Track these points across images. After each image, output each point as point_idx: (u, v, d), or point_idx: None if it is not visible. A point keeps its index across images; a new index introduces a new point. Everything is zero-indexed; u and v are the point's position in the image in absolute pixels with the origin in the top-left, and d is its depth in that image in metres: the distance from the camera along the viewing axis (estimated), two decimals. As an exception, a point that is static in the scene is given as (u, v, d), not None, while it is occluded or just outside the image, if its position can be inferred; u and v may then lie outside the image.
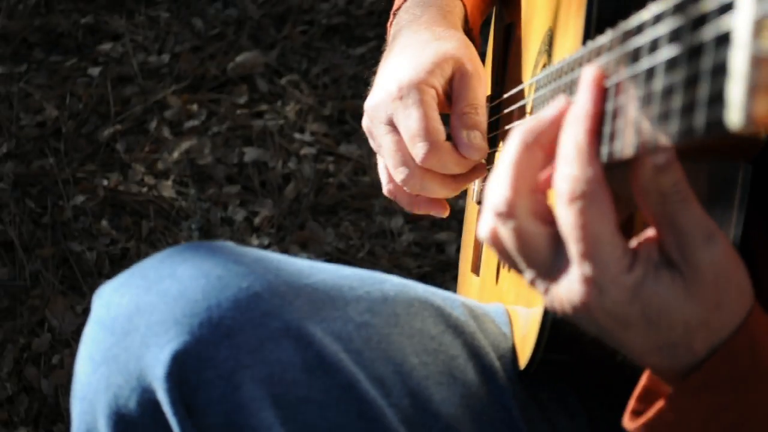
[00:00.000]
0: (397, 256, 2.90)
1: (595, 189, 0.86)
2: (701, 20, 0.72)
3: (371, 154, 3.09)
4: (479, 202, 1.68)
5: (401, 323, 1.24)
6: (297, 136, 3.15)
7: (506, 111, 1.51)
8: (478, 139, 1.39)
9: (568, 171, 0.87)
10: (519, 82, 1.53)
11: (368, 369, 1.19)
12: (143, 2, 3.57)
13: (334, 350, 1.16)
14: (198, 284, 1.15)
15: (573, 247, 0.88)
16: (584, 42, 1.11)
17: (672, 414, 0.92)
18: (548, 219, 0.92)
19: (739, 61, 0.65)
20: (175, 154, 3.10)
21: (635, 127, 0.82)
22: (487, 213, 0.94)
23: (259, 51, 3.34)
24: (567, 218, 0.87)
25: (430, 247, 2.92)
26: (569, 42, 1.22)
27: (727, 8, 0.69)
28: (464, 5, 1.57)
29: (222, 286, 1.15)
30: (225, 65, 3.34)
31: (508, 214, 0.92)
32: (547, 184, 0.95)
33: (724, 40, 0.68)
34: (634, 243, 0.89)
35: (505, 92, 1.60)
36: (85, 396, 1.19)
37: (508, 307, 1.38)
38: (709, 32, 0.71)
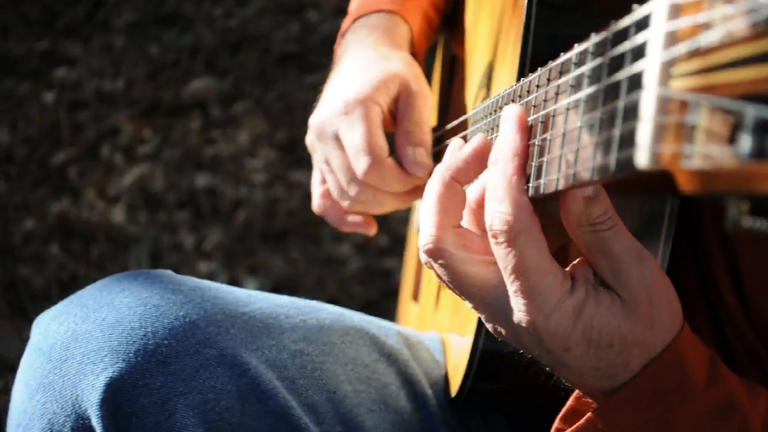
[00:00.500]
0: (345, 283, 2.92)
1: (527, 224, 0.89)
2: (619, 61, 0.75)
3: (322, 182, 3.11)
4: (418, 231, 1.70)
5: (336, 352, 1.26)
6: (249, 162, 3.17)
7: (447, 142, 1.54)
8: (422, 155, 1.41)
9: (499, 209, 0.90)
10: (461, 113, 1.56)
11: (302, 396, 1.21)
12: (99, 28, 3.58)
13: (269, 378, 1.18)
14: (135, 313, 1.17)
15: (513, 282, 0.91)
16: (518, 78, 1.14)
17: (600, 424, 0.96)
18: (480, 250, 0.95)
19: (647, 104, 0.67)
20: (127, 180, 3.11)
21: (559, 163, 0.85)
22: (420, 251, 0.97)
23: (213, 77, 3.36)
24: (503, 255, 0.90)
25: (377, 275, 2.94)
26: (506, 77, 1.25)
27: (639, 51, 0.71)
28: (411, 29, 1.60)
29: (159, 315, 1.17)
30: (179, 91, 3.35)
31: (437, 250, 0.95)
32: (474, 217, 0.99)
33: (636, 82, 0.71)
34: (569, 267, 0.93)
35: (448, 123, 1.63)
36: (20, 423, 1.20)
37: (443, 335, 1.40)
38: (623, 74, 0.74)
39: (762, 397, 0.99)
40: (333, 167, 1.44)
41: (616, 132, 0.73)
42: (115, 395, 1.13)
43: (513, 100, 1.06)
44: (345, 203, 1.45)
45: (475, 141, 0.98)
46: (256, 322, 1.22)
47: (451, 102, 1.67)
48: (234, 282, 2.93)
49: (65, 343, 1.17)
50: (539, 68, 1.12)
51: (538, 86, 0.97)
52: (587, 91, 0.81)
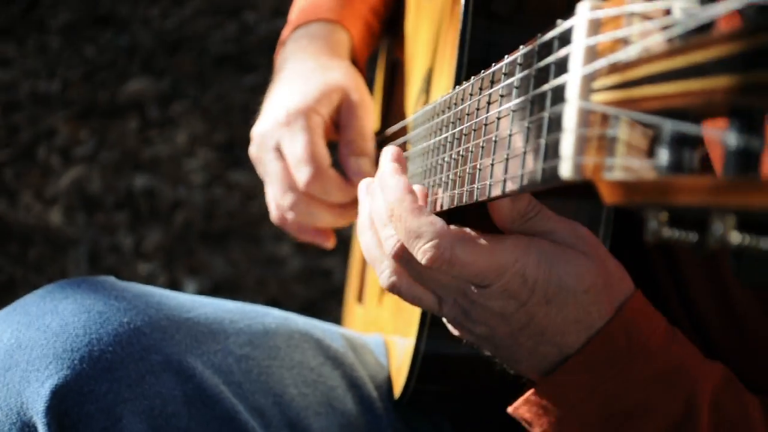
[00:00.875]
0: (285, 283, 2.93)
1: (456, 239, 0.95)
2: (544, 73, 0.78)
3: (260, 182, 3.11)
4: (361, 234, 1.72)
5: (281, 356, 1.27)
6: (187, 163, 3.16)
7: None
8: (366, 165, 1.43)
9: (424, 246, 0.95)
10: (402, 117, 1.58)
11: (248, 400, 1.22)
12: (34, 28, 3.55)
13: (215, 383, 1.19)
14: (79, 320, 1.17)
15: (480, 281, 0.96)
16: (455, 85, 1.16)
17: (552, 389, 1.00)
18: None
19: (569, 116, 0.70)
20: (64, 181, 3.10)
21: (491, 171, 0.88)
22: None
23: (150, 78, 3.35)
24: (442, 274, 0.97)
25: (318, 274, 2.96)
26: (444, 83, 1.26)
27: (562, 64, 0.74)
28: (351, 37, 1.61)
29: (103, 321, 1.17)
30: (116, 92, 3.34)
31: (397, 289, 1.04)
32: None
33: (559, 94, 0.73)
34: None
35: (390, 124, 1.64)
36: (-36, 430, 1.20)
37: (386, 337, 1.42)
38: (548, 86, 0.76)
39: (716, 369, 1.02)
40: (271, 179, 1.45)
41: (542, 142, 0.75)
42: (61, 402, 1.14)
43: (449, 108, 1.08)
44: (294, 214, 1.46)
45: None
46: (201, 327, 1.23)
47: (392, 106, 1.68)
48: (174, 283, 2.93)
49: (9, 351, 1.17)
50: (471, 77, 1.14)
51: (471, 95, 0.99)
52: (516, 101, 0.84)
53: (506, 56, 0.88)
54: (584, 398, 0.98)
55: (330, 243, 1.54)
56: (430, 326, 1.18)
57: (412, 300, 1.01)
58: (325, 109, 1.43)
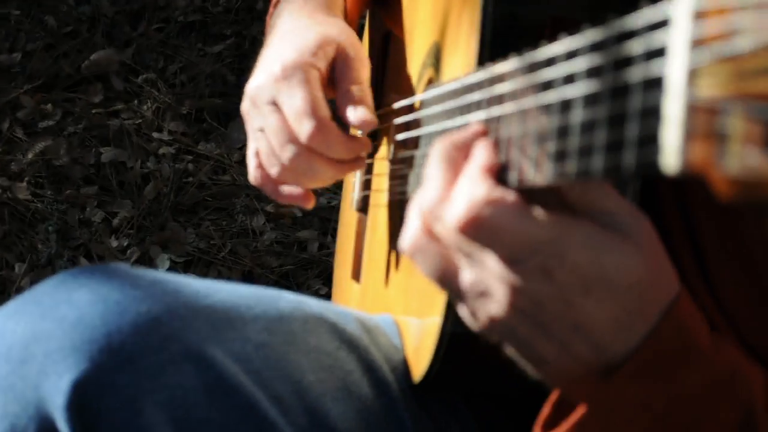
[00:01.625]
0: (260, 255, 2.90)
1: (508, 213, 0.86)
2: (626, 62, 0.75)
3: (231, 153, 3.08)
4: (359, 210, 1.70)
5: (298, 341, 1.25)
6: (155, 135, 3.12)
7: (392, 122, 1.53)
8: (365, 112, 1.39)
9: (469, 203, 0.87)
10: (400, 92, 1.55)
11: (267, 389, 1.20)
12: (-9, -1, 3.48)
13: (234, 371, 1.17)
14: (96, 310, 1.14)
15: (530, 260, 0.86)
16: (480, 63, 1.13)
17: (603, 406, 0.90)
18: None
19: (673, 108, 0.67)
20: (30, 155, 3.04)
21: (538, 159, 0.85)
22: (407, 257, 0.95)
23: (113, 49, 3.29)
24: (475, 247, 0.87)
25: (292, 246, 2.93)
26: (460, 60, 1.24)
27: (655, 54, 0.71)
28: (345, 1, 1.58)
29: (121, 311, 1.14)
30: (79, 64, 3.28)
31: (419, 256, 0.93)
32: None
33: (654, 84, 0.70)
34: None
35: (385, 100, 1.62)
36: (-20, 426, 1.17)
37: (396, 317, 1.40)
38: (635, 75, 0.73)
39: (758, 369, 0.97)
40: (267, 132, 1.41)
41: (631, 133, 0.72)
42: (81, 396, 1.11)
43: (480, 88, 1.04)
44: (274, 170, 1.42)
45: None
46: (219, 315, 1.21)
47: (388, 80, 1.66)
48: (147, 258, 2.89)
49: (24, 343, 1.14)
50: (504, 55, 1.12)
51: (513, 77, 0.96)
52: (584, 86, 0.81)
53: (562, 38, 0.85)
54: (635, 416, 0.90)
55: (311, 204, 1.50)
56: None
57: (430, 267, 0.92)
58: (321, 62, 1.40)
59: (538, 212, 0.86)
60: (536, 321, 0.88)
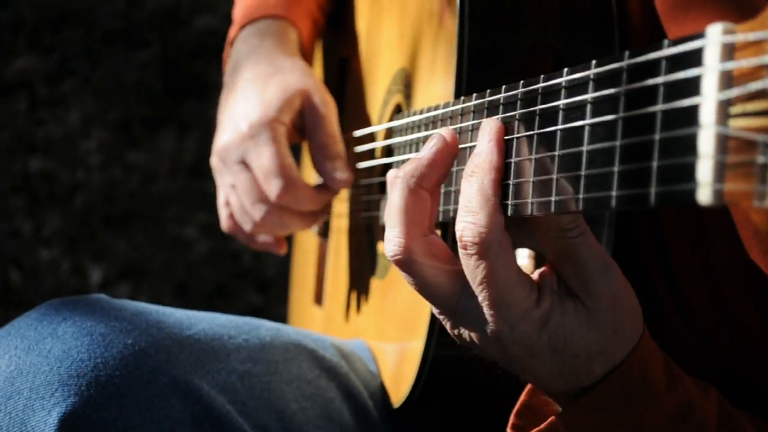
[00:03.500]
0: (193, 267, 2.88)
1: (499, 237, 0.90)
2: (645, 95, 0.76)
3: (161, 161, 3.05)
4: (321, 235, 1.70)
5: (280, 370, 1.26)
6: (82, 144, 3.08)
7: (356, 149, 1.53)
8: (342, 169, 1.42)
9: (473, 220, 0.91)
10: (360, 118, 1.56)
11: (253, 418, 1.20)
12: None
13: (221, 402, 1.17)
14: (82, 343, 1.13)
15: (480, 292, 0.92)
16: (457, 92, 1.15)
17: (562, 429, 0.98)
18: (446, 258, 0.96)
19: (707, 142, 0.68)
20: (-45, 165, 2.98)
21: (555, 186, 0.87)
22: (390, 261, 0.97)
23: (37, 55, 3.24)
24: (472, 266, 0.91)
25: (225, 257, 2.92)
26: (437, 89, 1.25)
27: (682, 88, 0.72)
28: (300, 33, 1.59)
29: (107, 344, 1.14)
30: (2, 71, 3.22)
31: (406, 261, 0.95)
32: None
33: (682, 118, 0.71)
34: (535, 275, 0.95)
35: (345, 126, 1.62)
36: (-34, 465, 1.15)
37: (369, 343, 1.41)
38: (657, 108, 0.75)
39: (713, 396, 1.03)
40: (239, 190, 1.43)
41: (656, 165, 0.73)
42: (69, 430, 1.10)
43: (465, 115, 1.06)
44: (247, 226, 1.45)
45: (436, 142, 0.97)
46: (203, 345, 1.21)
47: (346, 106, 1.66)
48: (79, 269, 2.85)
49: (9, 378, 1.13)
50: (482, 84, 1.13)
51: (508, 104, 0.97)
52: (594, 119, 0.82)
53: (565, 72, 0.87)
54: None
55: (283, 250, 1.54)
56: (439, 332, 1.18)
57: (426, 284, 0.96)
58: (287, 116, 1.42)
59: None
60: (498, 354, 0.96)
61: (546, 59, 1.22)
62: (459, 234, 0.91)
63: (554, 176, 0.87)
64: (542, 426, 0.99)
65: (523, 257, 1.21)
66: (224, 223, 1.50)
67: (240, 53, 1.54)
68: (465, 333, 0.97)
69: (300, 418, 1.24)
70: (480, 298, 0.92)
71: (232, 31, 1.60)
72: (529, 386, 1.04)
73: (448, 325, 0.98)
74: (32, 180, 2.99)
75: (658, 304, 1.16)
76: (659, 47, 0.75)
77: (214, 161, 1.46)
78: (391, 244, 0.96)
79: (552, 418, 0.99)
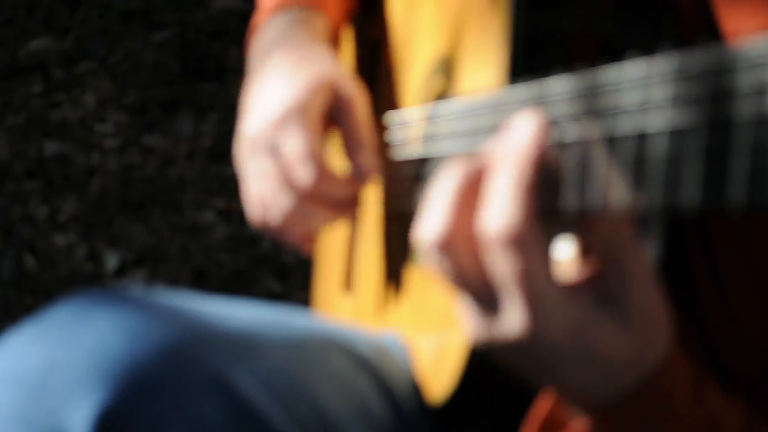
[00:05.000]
0: (211, 252, 2.85)
1: (536, 231, 0.85)
2: (732, 92, 0.73)
3: (178, 145, 3.02)
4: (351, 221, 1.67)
5: (316, 365, 1.23)
6: (99, 127, 3.05)
7: (393, 135, 1.50)
8: (371, 157, 1.39)
9: (506, 210, 0.85)
10: (395, 104, 1.52)
11: (290, 415, 1.17)
12: None
13: (256, 398, 1.14)
14: (118, 338, 1.10)
15: (515, 289, 0.87)
16: (507, 80, 1.11)
17: None
18: (481, 250, 0.91)
19: None
20: (-31, 148, 2.95)
21: (615, 186, 0.83)
22: (425, 250, 0.92)
23: (52, 37, 3.20)
24: (507, 261, 0.85)
25: (244, 242, 2.89)
26: (483, 76, 1.21)
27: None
28: (330, 20, 1.56)
29: (143, 339, 1.11)
30: (17, 52, 3.19)
31: (445, 248, 0.89)
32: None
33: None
34: (575, 278, 0.90)
35: (378, 111, 1.59)
36: (-3, 461, 1.12)
37: (402, 334, 1.38)
38: (742, 110, 0.71)
39: (739, 413, 1.01)
40: (267, 178, 1.39)
41: (740, 167, 0.70)
42: (105, 427, 1.07)
43: (517, 105, 1.02)
44: (275, 217, 1.41)
45: (502, 147, 0.92)
46: (238, 340, 1.17)
47: (379, 92, 1.63)
48: (95, 255, 2.82)
49: (41, 372, 1.10)
50: (533, 71, 1.10)
51: (571, 98, 0.93)
52: (669, 116, 0.79)
53: (634, 64, 0.83)
54: None
55: (312, 249, 1.51)
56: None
57: (459, 267, 0.90)
58: (318, 104, 1.39)
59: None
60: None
61: (595, 44, 1.18)
62: (491, 225, 0.85)
63: (618, 174, 0.83)
64: None
65: (565, 247, 1.17)
66: (254, 217, 1.46)
67: (269, 41, 1.51)
68: (493, 331, 0.92)
69: (336, 414, 1.21)
70: (513, 297, 0.87)
71: (259, 18, 1.56)
72: (550, 399, 1.00)
73: (474, 322, 0.93)
74: (47, 164, 2.96)
75: (701, 305, 1.13)
76: (746, 44, 0.72)
77: (241, 150, 1.43)
78: (431, 227, 0.89)
79: (574, 428, 0.96)
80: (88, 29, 3.23)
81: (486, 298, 0.90)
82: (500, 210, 0.85)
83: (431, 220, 0.90)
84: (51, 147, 2.98)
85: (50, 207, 2.89)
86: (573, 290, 0.88)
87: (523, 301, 0.86)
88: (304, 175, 1.35)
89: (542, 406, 1.01)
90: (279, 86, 1.41)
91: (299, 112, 1.36)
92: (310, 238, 1.48)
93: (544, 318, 0.87)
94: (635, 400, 0.92)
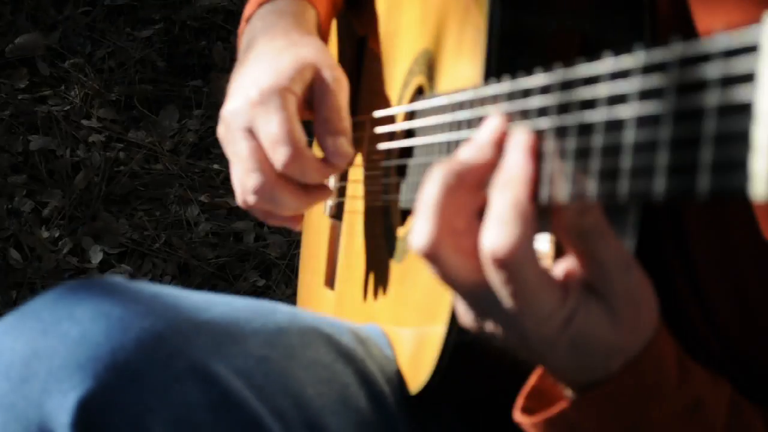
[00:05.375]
0: (195, 247, 2.86)
1: (529, 248, 0.88)
2: (695, 86, 0.75)
3: (162, 141, 3.03)
4: (333, 216, 1.68)
5: (297, 354, 1.24)
6: (84, 122, 3.05)
7: (374, 130, 1.51)
8: (344, 145, 1.39)
9: (505, 234, 0.88)
10: (379, 99, 1.53)
11: (270, 404, 1.18)
12: None
13: (238, 387, 1.15)
14: (99, 326, 1.11)
15: (507, 300, 0.90)
16: (486, 75, 1.13)
17: (574, 416, 0.97)
18: (474, 253, 0.93)
19: (763, 135, 0.67)
20: (-46, 142, 2.96)
21: (580, 178, 0.85)
22: (415, 253, 0.94)
23: (39, 32, 3.21)
24: (500, 280, 0.89)
25: (228, 237, 2.90)
26: (463, 71, 1.22)
27: (738, 80, 0.71)
28: (318, 14, 1.57)
29: (124, 327, 1.12)
30: (3, 47, 3.19)
31: (432, 255, 0.93)
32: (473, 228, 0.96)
33: (736, 111, 0.70)
34: (560, 272, 0.93)
35: (362, 106, 1.60)
36: (-20, 448, 1.13)
37: (384, 327, 1.39)
38: (710, 99, 0.73)
39: (725, 390, 1.03)
40: (239, 158, 1.39)
41: (706, 158, 0.72)
42: (87, 414, 1.08)
43: (494, 101, 1.03)
44: (256, 197, 1.41)
45: (480, 150, 0.95)
46: (220, 329, 1.18)
47: (363, 86, 1.64)
48: (80, 249, 2.83)
49: (25, 361, 1.11)
50: (511, 68, 1.11)
51: (543, 92, 0.95)
52: (638, 107, 0.81)
53: (608, 58, 0.85)
54: (605, 429, 0.98)
55: (300, 226, 1.51)
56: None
57: (449, 270, 0.93)
58: (299, 86, 1.39)
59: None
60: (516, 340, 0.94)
61: (574, 43, 1.20)
62: (488, 246, 0.88)
63: (592, 166, 0.85)
64: (553, 411, 0.99)
65: (544, 242, 1.19)
66: (239, 198, 1.46)
67: (256, 29, 1.52)
68: (486, 325, 0.95)
69: (317, 403, 1.22)
70: (505, 303, 0.91)
71: (249, 8, 1.58)
72: (540, 369, 1.02)
73: (470, 315, 0.96)
74: (32, 159, 2.97)
75: (675, 294, 1.15)
76: (712, 37, 0.74)
77: (221, 129, 1.43)
78: (418, 236, 0.92)
79: (563, 404, 0.98)
80: (74, 25, 3.24)
81: (478, 298, 0.93)
82: (498, 232, 0.87)
83: (419, 229, 0.92)
84: (36, 141, 2.99)
85: (35, 201, 2.90)
86: (561, 288, 0.91)
87: (517, 307, 0.89)
88: (278, 155, 1.34)
89: (533, 375, 1.03)
90: (262, 68, 1.41)
91: (280, 91, 1.37)
92: (298, 217, 1.48)
93: (535, 317, 0.90)
94: (622, 380, 0.95)
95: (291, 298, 2.57)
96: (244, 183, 1.39)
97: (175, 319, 1.15)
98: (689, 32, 1.13)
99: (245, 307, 1.25)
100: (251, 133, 1.37)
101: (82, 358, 1.09)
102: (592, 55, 0.90)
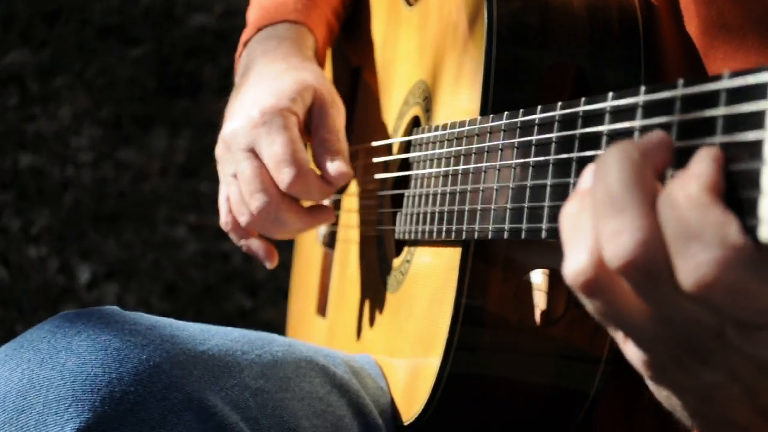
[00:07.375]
0: (183, 267, 2.86)
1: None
2: (701, 125, 0.72)
3: (151, 161, 3.03)
4: (326, 245, 1.69)
5: (292, 386, 1.24)
6: (73, 141, 3.05)
7: (371, 160, 1.52)
8: (342, 165, 1.40)
9: (711, 256, 0.68)
10: (373, 128, 1.54)
11: (265, 434, 1.19)
12: None
13: (234, 420, 1.15)
14: (96, 358, 1.11)
15: (732, 339, 0.71)
16: (483, 109, 1.14)
17: None
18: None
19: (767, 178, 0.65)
20: (-57, 159, 2.95)
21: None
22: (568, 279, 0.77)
23: (29, 50, 3.21)
24: (698, 313, 0.71)
25: (215, 257, 2.90)
26: (461, 104, 1.23)
27: (745, 122, 0.69)
28: (316, 40, 1.58)
29: (122, 359, 1.12)
30: (-7, 64, 3.19)
31: (597, 285, 0.75)
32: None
33: (740, 151, 0.68)
34: None
35: (356, 136, 1.61)
36: (-25, 480, 1.13)
37: (376, 357, 1.40)
38: (714, 139, 0.71)
39: None
40: (240, 179, 1.40)
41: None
42: (84, 447, 1.08)
43: (489, 134, 1.04)
44: (243, 218, 1.42)
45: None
46: (216, 361, 1.19)
47: (357, 115, 1.65)
48: (68, 267, 2.83)
49: (21, 392, 1.10)
50: (509, 101, 1.12)
51: (557, 123, 0.94)
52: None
53: (610, 96, 0.85)
54: None
55: (273, 263, 1.51)
56: (456, 349, 1.17)
57: (618, 321, 0.75)
58: (300, 108, 1.41)
59: None
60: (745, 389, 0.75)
61: (571, 78, 1.21)
62: (689, 281, 0.69)
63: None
64: None
65: (537, 274, 1.20)
66: (222, 219, 1.48)
67: (255, 53, 1.53)
68: (675, 375, 0.76)
69: (311, 434, 1.22)
70: (727, 342, 0.72)
71: (247, 33, 1.59)
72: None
73: (654, 360, 0.77)
74: (21, 176, 2.96)
75: None
76: (718, 78, 0.73)
77: (219, 149, 1.44)
78: (576, 264, 0.75)
79: None
80: (64, 43, 3.24)
81: (687, 337, 0.73)
82: (696, 267, 0.68)
83: (574, 261, 0.76)
84: (25, 159, 2.99)
85: (23, 219, 2.89)
86: None
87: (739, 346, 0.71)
88: (283, 175, 1.35)
89: None
90: (263, 89, 1.42)
91: (280, 112, 1.38)
92: (272, 252, 1.49)
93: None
94: None
95: (278, 320, 2.57)
96: (248, 203, 1.39)
97: (173, 351, 1.15)
98: (699, 74, 1.12)
99: (242, 339, 1.25)
100: (254, 153, 1.38)
101: (80, 391, 1.09)
102: (588, 91, 0.90)
